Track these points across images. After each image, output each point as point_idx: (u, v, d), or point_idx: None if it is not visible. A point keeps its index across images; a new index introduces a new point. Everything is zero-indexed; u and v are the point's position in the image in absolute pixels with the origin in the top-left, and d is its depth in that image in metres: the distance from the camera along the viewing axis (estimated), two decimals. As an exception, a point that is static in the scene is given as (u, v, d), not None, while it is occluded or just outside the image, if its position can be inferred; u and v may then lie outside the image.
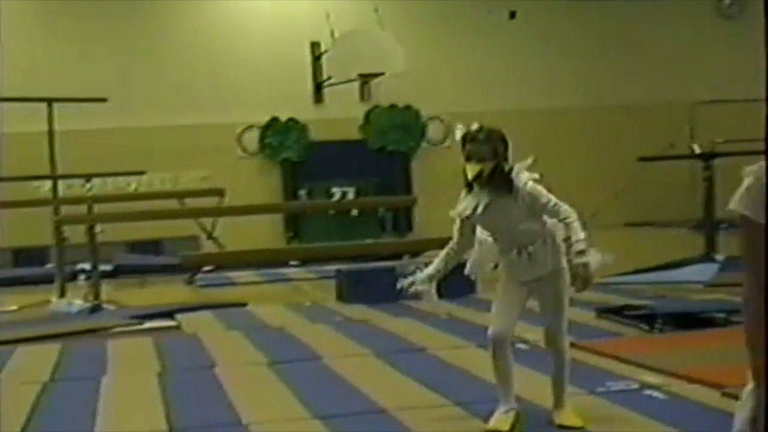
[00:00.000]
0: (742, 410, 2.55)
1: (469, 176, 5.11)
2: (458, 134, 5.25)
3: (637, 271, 10.77)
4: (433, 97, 16.97)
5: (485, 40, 17.58)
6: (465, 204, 5.24)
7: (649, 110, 17.45)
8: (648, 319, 7.84)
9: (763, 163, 2.44)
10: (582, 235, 5.01)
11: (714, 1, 18.48)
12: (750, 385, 2.51)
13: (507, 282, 5.28)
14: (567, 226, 5.04)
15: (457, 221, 5.33)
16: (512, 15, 17.61)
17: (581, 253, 4.96)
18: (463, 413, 5.64)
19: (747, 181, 2.47)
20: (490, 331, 5.27)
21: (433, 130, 17.33)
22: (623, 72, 17.76)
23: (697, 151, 12.06)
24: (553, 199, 5.13)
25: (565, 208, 5.08)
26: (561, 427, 5.18)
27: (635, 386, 5.84)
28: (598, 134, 17.67)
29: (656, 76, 17.79)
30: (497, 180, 5.11)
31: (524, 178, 5.13)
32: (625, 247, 15.37)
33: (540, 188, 5.12)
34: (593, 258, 5.00)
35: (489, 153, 5.12)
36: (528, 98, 17.55)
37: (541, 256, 5.14)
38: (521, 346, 7.43)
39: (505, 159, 5.15)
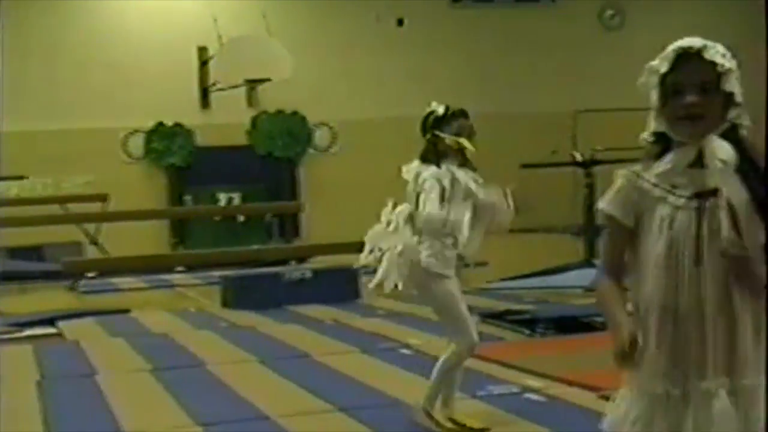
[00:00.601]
0: (614, 411, 2.60)
1: (472, 150, 5.19)
2: (440, 110, 5.29)
3: (519, 277, 10.91)
4: (320, 104, 16.97)
5: (373, 46, 17.64)
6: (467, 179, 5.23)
7: (533, 118, 17.71)
8: (530, 323, 7.95)
9: (635, 167, 2.51)
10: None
11: (596, 12, 18.83)
12: (622, 388, 2.57)
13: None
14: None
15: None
16: (400, 22, 17.70)
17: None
18: (347, 419, 5.64)
19: (618, 183, 2.53)
20: (475, 338, 5.20)
21: (320, 137, 17.34)
22: (508, 80, 17.98)
23: (579, 158, 12.27)
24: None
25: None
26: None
27: (516, 390, 5.92)
28: (483, 141, 17.73)
29: (540, 84, 18.05)
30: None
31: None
32: (508, 252, 15.64)
33: (431, 184, 5.15)
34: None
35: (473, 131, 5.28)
36: (415, 105, 17.45)
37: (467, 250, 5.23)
38: (404, 351, 7.50)
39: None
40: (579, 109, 16.62)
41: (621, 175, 2.54)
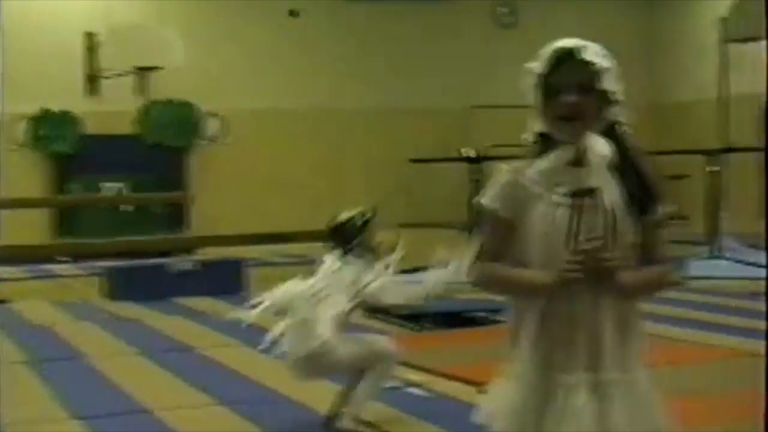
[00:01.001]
0: (489, 403, 2.65)
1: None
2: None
3: (405, 271, 10.92)
4: (212, 94, 16.76)
5: (266, 37, 17.51)
6: None
7: (426, 113, 17.78)
8: (415, 318, 7.97)
9: (516, 163, 2.54)
10: None
11: (490, 9, 18.96)
12: (496, 381, 2.59)
13: None
14: None
15: None
16: (292, 13, 17.59)
17: None
18: (229, 413, 5.60)
19: (498, 178, 2.56)
20: (393, 349, 5.27)
21: (211, 127, 17.15)
22: (401, 75, 18.00)
23: (469, 154, 12.36)
24: None
25: None
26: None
27: (398, 384, 5.92)
28: (376, 136, 17.88)
29: (433, 80, 18.12)
30: None
31: None
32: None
33: None
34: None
35: None
36: (306, 97, 17.58)
37: None
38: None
39: None
40: (472, 105, 16.72)
41: (501, 171, 2.56)
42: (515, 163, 2.55)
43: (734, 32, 12.68)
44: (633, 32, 19.31)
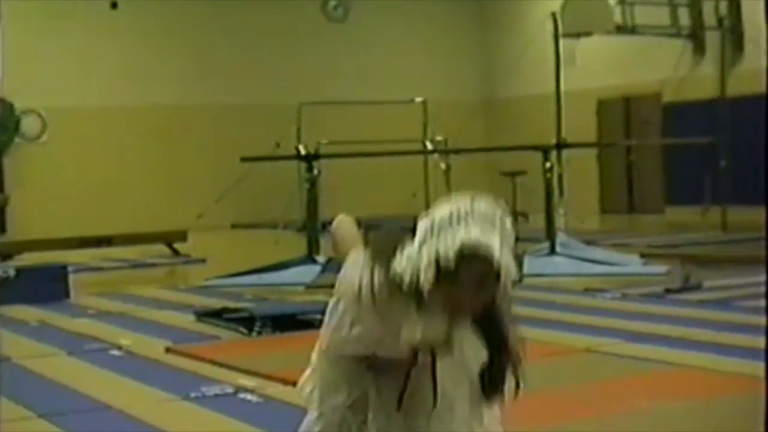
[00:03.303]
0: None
1: None
2: None
3: (238, 274, 10.71)
4: (29, 90, 16.15)
5: (87, 30, 16.97)
6: None
7: (256, 110, 17.55)
8: (247, 321, 7.76)
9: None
10: None
11: (320, 3, 18.85)
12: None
13: None
14: None
15: None
16: (114, 5, 17.11)
17: None
18: (48, 425, 5.28)
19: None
20: None
21: (29, 125, 16.51)
22: (230, 71, 17.75)
23: (303, 151, 12.14)
24: None
25: None
26: None
27: (230, 390, 5.73)
28: (204, 134, 17.56)
29: (263, 75, 17.92)
30: None
31: None
32: (230, 249, 15.43)
33: None
34: None
35: None
36: (130, 95, 17.13)
37: None
38: (115, 352, 7.17)
39: None
40: (303, 101, 16.55)
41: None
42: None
43: (566, 27, 12.83)
44: (465, 27, 19.47)
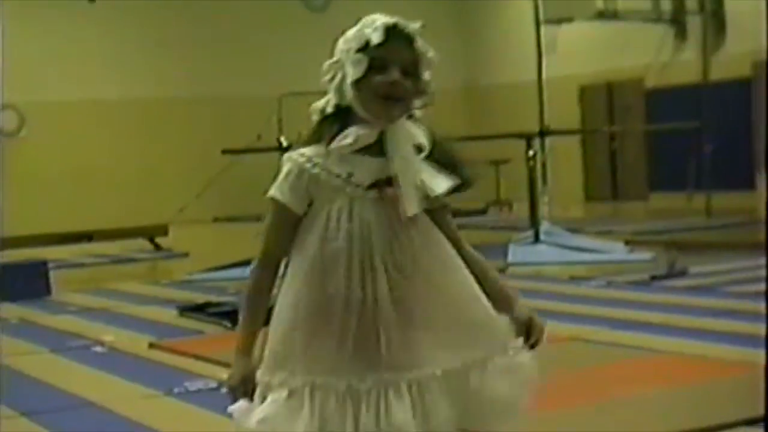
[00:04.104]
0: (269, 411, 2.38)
1: None
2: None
3: (221, 267, 10.66)
4: (6, 85, 16.05)
5: (65, 23, 16.87)
6: None
7: (237, 102, 17.49)
8: (230, 315, 7.70)
9: (304, 150, 2.34)
10: None
11: (301, -8, 18.82)
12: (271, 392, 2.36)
13: None
14: None
15: None
16: (92, -1, 17.08)
17: None
18: (30, 424, 5.23)
19: (287, 168, 2.35)
20: None
21: (6, 120, 16.40)
22: (210, 63, 17.68)
23: (285, 143, 12.08)
24: None
25: None
26: None
27: (213, 385, 5.68)
28: (184, 127, 17.47)
29: (244, 67, 17.85)
30: None
31: None
32: (213, 242, 15.36)
33: None
34: None
35: None
36: (109, 88, 17.04)
37: None
38: (98, 348, 7.12)
39: None
40: (284, 92, 16.49)
41: (289, 159, 2.35)
42: (306, 150, 2.34)
43: (548, 13, 12.79)
44: (446, 15, 19.42)
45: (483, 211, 16.07)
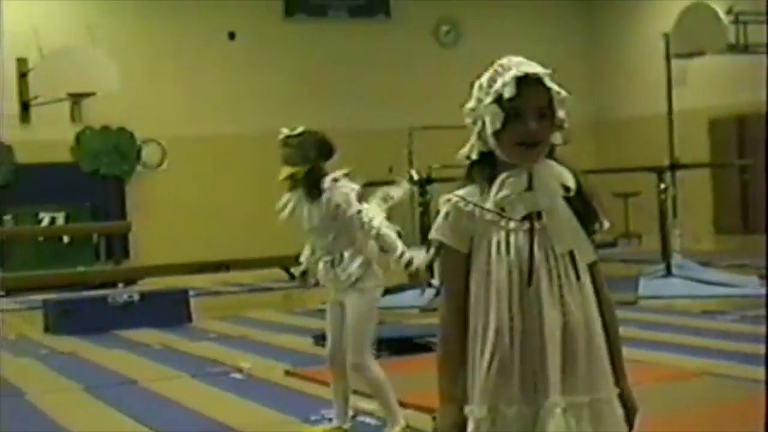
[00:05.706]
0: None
1: (280, 177, 5.01)
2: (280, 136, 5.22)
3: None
4: (148, 119, 16.48)
5: (204, 61, 17.28)
6: (282, 203, 5.25)
7: (369, 135, 17.66)
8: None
9: (459, 191, 2.47)
10: (399, 245, 4.95)
11: (432, 27, 18.92)
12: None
13: (329, 296, 5.16)
14: (379, 238, 4.96)
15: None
16: (231, 36, 17.46)
17: (407, 264, 4.98)
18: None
19: (444, 209, 2.49)
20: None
21: (149, 154, 16.86)
22: (343, 96, 17.87)
23: (415, 176, 12.24)
24: (365, 212, 5.00)
25: (376, 223, 4.96)
26: None
27: (350, 413, 5.77)
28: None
29: (375, 100, 18.02)
30: (307, 184, 5.03)
31: (341, 185, 5.04)
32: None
33: (351, 198, 4.99)
34: (418, 257, 4.96)
35: (298, 157, 5.05)
36: (247, 122, 17.37)
37: (347, 270, 5.00)
38: (236, 375, 7.29)
39: (319, 164, 5.05)
40: (414, 126, 16.64)
41: (446, 202, 2.48)
42: (461, 191, 2.48)
43: (678, 47, 12.67)
44: (574, 48, 19.36)
45: (613, 244, 15.98)
